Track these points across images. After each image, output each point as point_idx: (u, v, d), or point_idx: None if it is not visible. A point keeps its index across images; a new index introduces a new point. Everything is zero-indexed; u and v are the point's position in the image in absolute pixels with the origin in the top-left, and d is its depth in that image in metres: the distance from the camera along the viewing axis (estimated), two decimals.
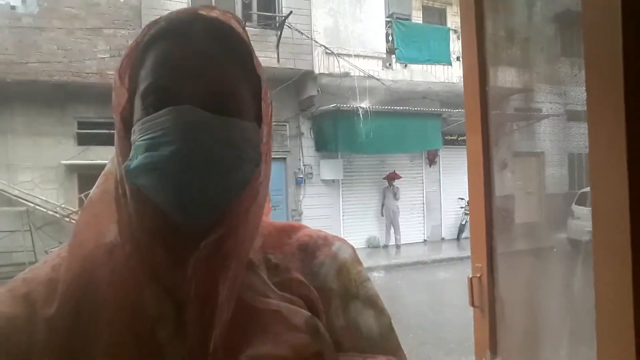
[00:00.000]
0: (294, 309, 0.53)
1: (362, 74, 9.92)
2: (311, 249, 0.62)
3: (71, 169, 9.17)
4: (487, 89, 1.20)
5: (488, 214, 1.19)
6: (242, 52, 0.56)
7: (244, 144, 0.53)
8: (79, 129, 9.29)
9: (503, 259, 1.18)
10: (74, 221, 8.98)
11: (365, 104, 9.83)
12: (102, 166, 0.60)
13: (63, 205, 9.13)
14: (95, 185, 0.58)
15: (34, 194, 8.91)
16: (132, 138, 0.52)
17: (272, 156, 0.61)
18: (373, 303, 0.61)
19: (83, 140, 9.25)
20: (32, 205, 8.83)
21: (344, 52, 10.01)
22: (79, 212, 0.57)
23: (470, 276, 1.21)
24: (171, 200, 0.50)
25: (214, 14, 0.56)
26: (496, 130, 1.21)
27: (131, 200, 0.53)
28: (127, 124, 0.54)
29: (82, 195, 8.96)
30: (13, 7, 8.82)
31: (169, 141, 0.49)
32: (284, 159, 10.57)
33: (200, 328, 0.49)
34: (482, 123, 1.19)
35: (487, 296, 1.17)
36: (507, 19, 1.29)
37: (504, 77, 1.25)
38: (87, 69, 8.67)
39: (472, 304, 1.21)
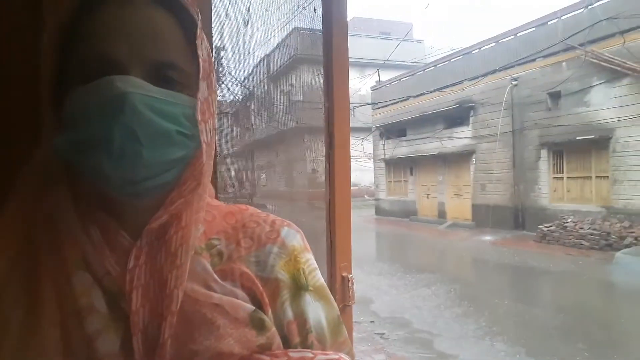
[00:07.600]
0: (236, 303, 0.50)
1: None
2: (257, 235, 0.57)
3: None
4: None
5: None
6: (187, 24, 0.52)
7: (187, 119, 0.49)
8: None
9: None
10: None
11: None
12: None
13: None
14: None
15: None
16: (64, 109, 0.48)
17: None
18: (321, 294, 0.58)
19: None
20: None
21: None
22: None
23: None
24: (108, 177, 0.46)
25: None
26: None
27: (62, 179, 0.50)
28: (57, 93, 0.49)
29: None
30: None
31: (106, 112, 0.44)
32: None
33: (147, 319, 0.47)
34: None
35: None
36: None
37: None
38: None
39: None
